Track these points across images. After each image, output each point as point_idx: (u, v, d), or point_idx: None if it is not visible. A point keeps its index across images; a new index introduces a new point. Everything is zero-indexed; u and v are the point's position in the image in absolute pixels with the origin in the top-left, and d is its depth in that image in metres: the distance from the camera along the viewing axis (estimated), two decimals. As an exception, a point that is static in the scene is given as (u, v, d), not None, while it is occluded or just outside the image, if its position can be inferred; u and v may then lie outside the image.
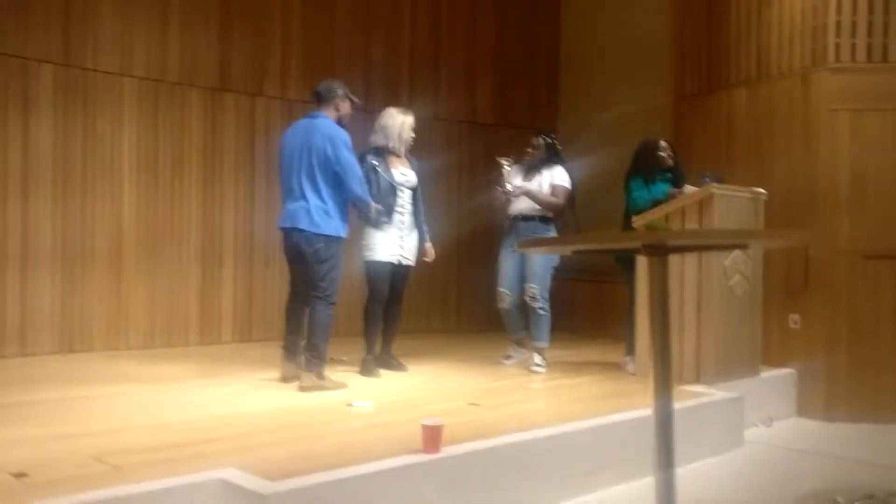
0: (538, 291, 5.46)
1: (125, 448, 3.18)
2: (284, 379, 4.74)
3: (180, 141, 6.47)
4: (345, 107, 4.80)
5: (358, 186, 4.68)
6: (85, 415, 3.86)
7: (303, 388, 4.50)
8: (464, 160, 7.91)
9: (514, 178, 5.61)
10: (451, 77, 7.94)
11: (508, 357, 5.74)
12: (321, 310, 4.58)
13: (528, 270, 5.52)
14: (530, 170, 5.63)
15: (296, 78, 6.96)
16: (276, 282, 6.80)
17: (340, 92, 4.78)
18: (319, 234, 4.55)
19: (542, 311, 5.48)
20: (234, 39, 6.73)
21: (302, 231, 4.56)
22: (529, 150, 5.67)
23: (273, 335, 6.58)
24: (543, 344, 5.52)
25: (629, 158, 5.52)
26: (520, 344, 5.75)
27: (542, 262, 5.49)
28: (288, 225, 4.63)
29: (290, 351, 4.79)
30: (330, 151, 4.56)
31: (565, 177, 5.58)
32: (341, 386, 4.60)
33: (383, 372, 5.22)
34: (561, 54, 8.51)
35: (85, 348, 6.00)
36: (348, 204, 4.77)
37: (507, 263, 5.60)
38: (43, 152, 5.84)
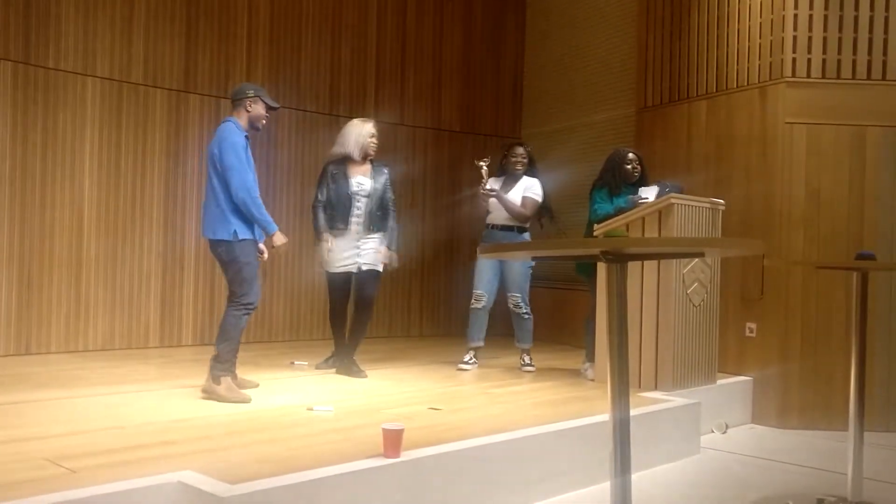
0: (521, 298, 5.75)
1: (81, 451, 3.15)
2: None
3: (143, 143, 6.42)
4: (256, 108, 4.56)
5: (240, 190, 4.35)
6: (39, 418, 3.81)
7: (202, 390, 4.42)
8: (428, 166, 7.95)
9: (494, 185, 5.80)
10: (416, 83, 7.97)
11: (465, 363, 5.81)
12: (229, 313, 4.44)
13: (510, 279, 5.75)
14: (514, 180, 5.82)
15: (261, 81, 6.93)
16: (238, 285, 6.77)
17: (251, 93, 4.55)
18: (219, 240, 4.42)
19: (526, 316, 5.79)
20: (200, 41, 6.70)
21: (208, 238, 4.50)
22: (516, 159, 5.80)
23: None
24: (530, 345, 5.86)
25: (598, 168, 5.61)
26: (476, 352, 5.88)
27: (521, 271, 5.74)
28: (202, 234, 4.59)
29: None
30: (217, 153, 4.41)
31: (539, 190, 5.81)
32: (240, 399, 4.30)
33: (343, 377, 5.23)
34: (526, 63, 8.59)
35: (42, 350, 5.92)
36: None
37: (485, 269, 5.78)
38: (0, 150, 5.75)
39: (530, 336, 5.83)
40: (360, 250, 5.33)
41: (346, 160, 5.37)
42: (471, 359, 5.83)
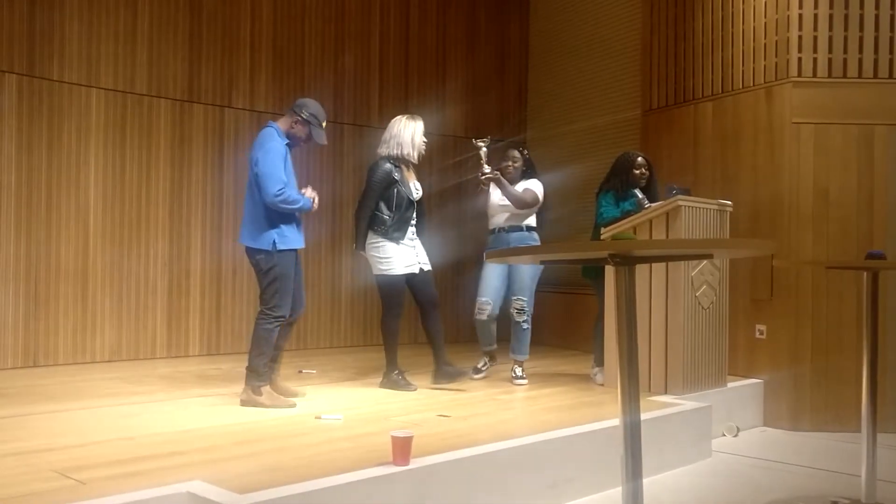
0: (526, 304, 5.46)
1: (90, 463, 3.14)
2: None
3: (148, 153, 6.42)
4: (300, 130, 4.56)
5: (272, 192, 4.31)
6: (48, 429, 3.80)
7: (242, 402, 4.44)
8: (434, 172, 7.92)
9: (492, 192, 5.58)
10: (420, 90, 7.96)
11: (478, 370, 5.68)
12: (260, 323, 4.45)
13: (518, 283, 5.47)
14: (511, 184, 5.60)
15: (265, 89, 6.96)
16: (244, 295, 6.77)
17: (305, 114, 4.54)
18: (258, 249, 4.44)
19: (525, 325, 5.49)
20: (203, 51, 6.71)
21: (246, 247, 4.52)
22: (509, 163, 5.59)
23: (241, 348, 6.53)
24: (525, 357, 5.54)
25: (606, 171, 5.56)
26: (491, 357, 5.69)
27: (531, 274, 5.46)
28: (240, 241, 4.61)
29: None
30: (255, 159, 4.43)
31: (539, 187, 5.57)
32: (285, 404, 4.39)
33: (354, 386, 5.21)
34: (530, 67, 8.58)
35: (49, 362, 5.92)
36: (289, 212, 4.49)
37: (492, 274, 5.52)
38: (5, 163, 5.77)
39: (527, 348, 5.53)
40: (417, 252, 5.21)
41: (399, 163, 5.13)
42: (484, 364, 5.68)
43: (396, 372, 5.10)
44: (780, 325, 5.64)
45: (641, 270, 5.00)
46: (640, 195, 5.24)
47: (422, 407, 4.54)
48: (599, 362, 5.44)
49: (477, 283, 5.63)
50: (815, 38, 5.62)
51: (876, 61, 5.58)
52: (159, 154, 6.48)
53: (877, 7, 5.58)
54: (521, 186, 5.57)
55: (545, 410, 4.62)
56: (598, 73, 7.68)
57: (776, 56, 5.73)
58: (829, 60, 5.62)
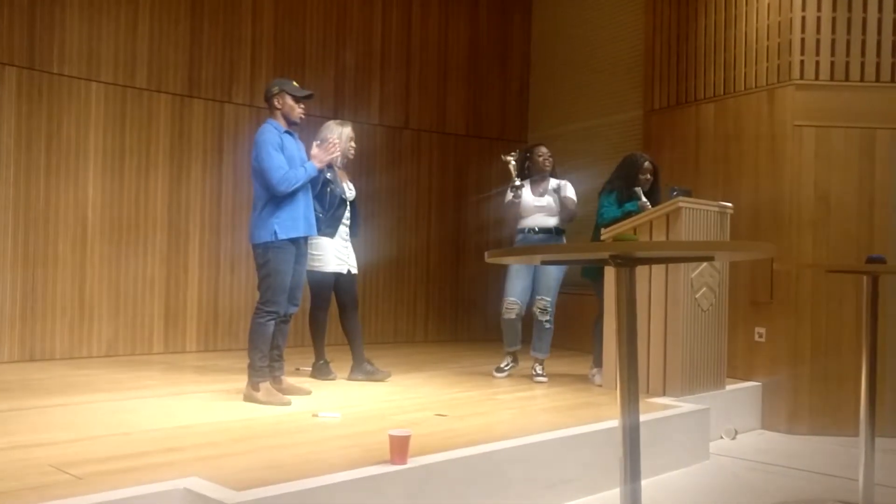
0: (549, 304, 5.54)
1: (86, 458, 3.13)
2: None
3: (147, 147, 6.41)
4: (284, 102, 4.49)
5: (280, 185, 4.34)
6: (44, 424, 3.79)
7: (243, 397, 4.47)
8: (434, 170, 7.92)
9: (525, 193, 5.62)
10: (421, 87, 7.95)
11: (501, 369, 5.72)
12: (254, 318, 4.45)
13: (543, 284, 5.55)
14: (541, 179, 5.64)
15: (265, 85, 6.92)
16: (242, 290, 6.76)
17: (275, 89, 4.50)
18: (257, 243, 4.45)
19: (548, 325, 5.58)
20: (204, 46, 6.69)
21: (251, 244, 4.55)
22: (543, 158, 5.62)
23: (238, 345, 6.53)
24: (545, 355, 5.64)
25: (608, 171, 5.55)
26: (514, 357, 5.73)
27: (556, 276, 5.56)
28: None
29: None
30: (254, 154, 4.44)
31: (572, 190, 5.63)
32: (279, 401, 4.35)
33: (358, 383, 5.26)
34: (532, 66, 8.56)
35: (46, 356, 5.90)
36: (288, 202, 4.45)
37: (520, 275, 5.58)
38: (4, 155, 5.75)
39: (548, 346, 5.61)
40: (349, 252, 5.37)
41: (332, 164, 5.15)
42: (507, 364, 5.71)
43: (322, 362, 5.40)
44: (779, 328, 5.64)
45: (641, 272, 4.98)
46: (643, 199, 5.20)
47: (419, 406, 4.53)
48: (598, 363, 5.43)
49: (503, 283, 5.67)
50: (818, 40, 5.61)
51: (878, 65, 5.58)
52: (158, 149, 6.46)
53: (880, 10, 5.58)
54: (552, 185, 5.62)
55: (543, 411, 4.61)
56: (601, 73, 7.66)
57: (778, 58, 5.72)
58: (832, 63, 5.61)
